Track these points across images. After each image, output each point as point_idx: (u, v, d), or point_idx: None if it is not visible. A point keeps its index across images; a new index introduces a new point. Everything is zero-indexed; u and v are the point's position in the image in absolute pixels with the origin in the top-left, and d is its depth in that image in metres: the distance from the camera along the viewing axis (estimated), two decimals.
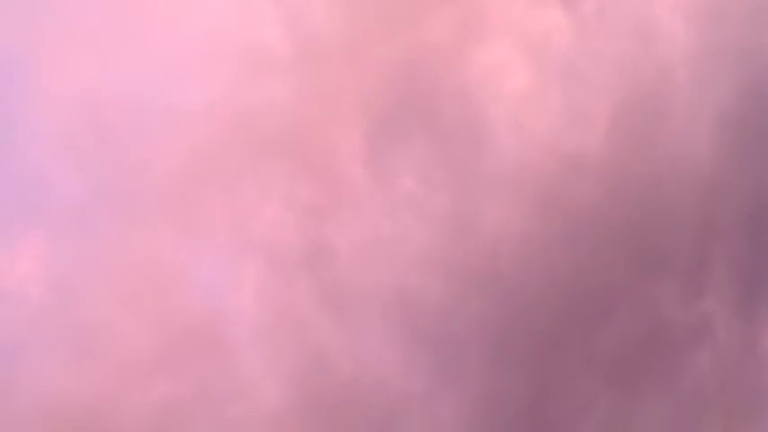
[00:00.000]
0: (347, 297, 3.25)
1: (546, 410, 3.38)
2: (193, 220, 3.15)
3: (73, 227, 3.07)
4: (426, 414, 3.30)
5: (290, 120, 3.21)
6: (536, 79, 3.44)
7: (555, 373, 3.40)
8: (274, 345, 3.21)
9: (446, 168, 3.35)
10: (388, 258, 3.28)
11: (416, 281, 3.30)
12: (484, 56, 3.40)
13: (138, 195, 3.10)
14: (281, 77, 3.19)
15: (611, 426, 3.43)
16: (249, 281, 3.20)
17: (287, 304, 3.22)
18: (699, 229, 3.57)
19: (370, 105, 3.28)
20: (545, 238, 3.40)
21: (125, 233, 3.09)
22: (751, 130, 3.65)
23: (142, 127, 3.10)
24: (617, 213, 3.47)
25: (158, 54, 3.10)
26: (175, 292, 3.14)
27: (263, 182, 3.20)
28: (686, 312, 3.54)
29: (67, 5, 3.02)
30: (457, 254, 3.33)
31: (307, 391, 3.22)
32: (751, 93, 3.65)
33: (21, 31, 2.97)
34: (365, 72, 3.27)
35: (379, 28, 3.29)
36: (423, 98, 3.34)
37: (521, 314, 3.37)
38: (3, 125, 3.03)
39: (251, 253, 3.20)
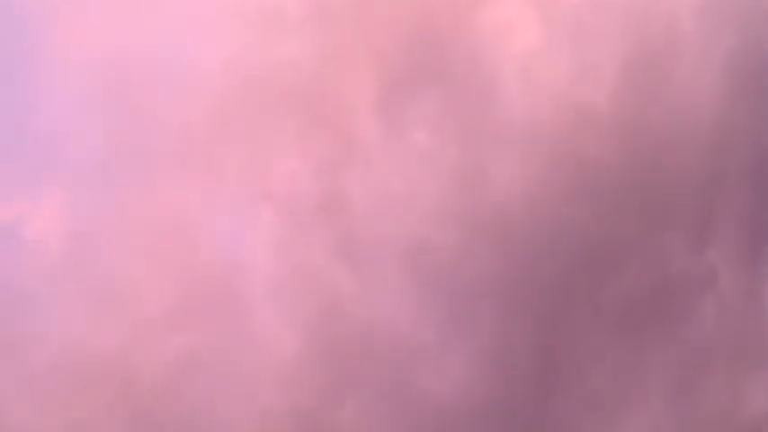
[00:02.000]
0: (361, 248, 3.30)
1: (555, 359, 3.43)
2: (210, 174, 3.19)
3: (92, 181, 3.12)
4: (439, 363, 3.36)
5: (305, 76, 3.25)
6: (545, 35, 3.46)
7: (564, 323, 3.45)
8: (289, 296, 3.26)
9: (457, 123, 3.38)
10: (400, 211, 3.32)
11: (428, 233, 3.35)
12: (494, 12, 3.43)
13: (156, 150, 3.14)
14: (296, 35, 3.22)
15: (618, 374, 3.48)
16: (265, 233, 3.25)
17: (301, 256, 3.26)
18: (704, 181, 3.60)
19: (383, 61, 3.31)
20: (554, 190, 3.43)
21: (143, 187, 3.14)
22: (756, 83, 3.66)
23: (160, 83, 3.13)
24: (625, 166, 3.49)
25: (176, 12, 3.14)
26: (193, 245, 3.19)
27: (278, 137, 3.24)
28: (692, 263, 3.57)
29: None
30: (468, 206, 3.37)
31: (321, 341, 3.27)
32: (756, 47, 3.66)
33: None
34: (378, 29, 3.30)
35: None
36: (434, 54, 3.37)
37: (531, 265, 3.41)
38: (25, 82, 3.07)
39: (266, 206, 3.24)
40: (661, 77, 3.58)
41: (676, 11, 3.58)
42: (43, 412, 3.05)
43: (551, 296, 3.44)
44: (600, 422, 3.45)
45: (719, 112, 3.63)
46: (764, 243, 3.66)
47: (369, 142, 3.31)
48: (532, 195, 3.41)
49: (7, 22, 3.04)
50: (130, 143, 3.14)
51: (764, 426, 3.61)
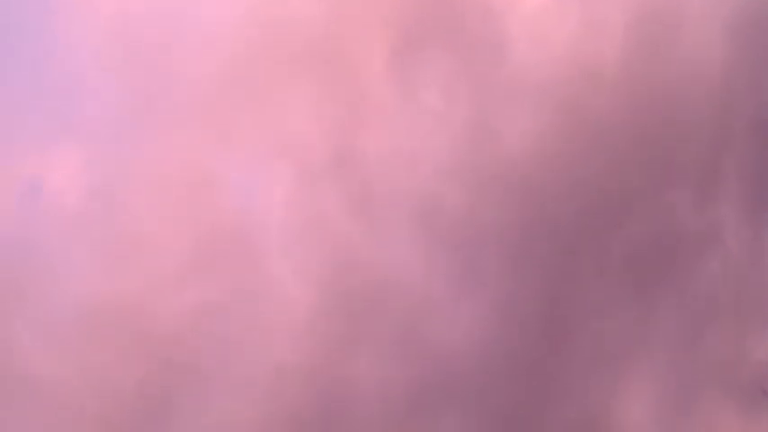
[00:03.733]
0: (373, 203, 3.33)
1: (563, 311, 3.46)
2: (226, 129, 3.22)
3: (109, 136, 3.15)
4: (449, 314, 3.39)
5: (319, 34, 3.27)
6: None
7: (571, 277, 3.47)
8: (303, 250, 3.29)
9: (467, 80, 3.40)
10: (411, 166, 3.35)
11: (439, 188, 3.37)
12: None
13: (172, 106, 3.17)
14: None
15: (625, 325, 3.51)
16: (279, 188, 3.28)
17: (315, 211, 3.29)
18: (711, 137, 3.61)
19: (395, 20, 3.33)
20: (563, 146, 3.45)
21: (160, 143, 3.16)
22: (761, 41, 3.67)
23: (177, 41, 3.16)
24: (632, 122, 3.51)
25: None
26: (208, 199, 3.22)
27: (292, 94, 3.27)
28: (698, 219, 3.58)
29: None
30: (478, 162, 3.39)
31: (334, 294, 3.31)
32: (761, 4, 3.66)
33: None
34: None
35: None
36: (445, 13, 3.38)
37: (539, 220, 3.43)
38: (42, 39, 3.10)
39: (281, 162, 3.28)
40: (668, 35, 3.59)
41: None
42: (62, 361, 3.09)
43: (560, 250, 3.46)
44: (606, 372, 3.49)
45: (725, 69, 3.63)
46: None
47: (381, 99, 3.33)
48: (541, 151, 3.44)
49: None
50: (147, 99, 3.16)
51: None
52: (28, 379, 3.08)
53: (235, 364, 3.24)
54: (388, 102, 3.34)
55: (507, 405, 3.43)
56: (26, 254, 3.10)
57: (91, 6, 3.09)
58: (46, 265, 3.11)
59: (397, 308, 3.36)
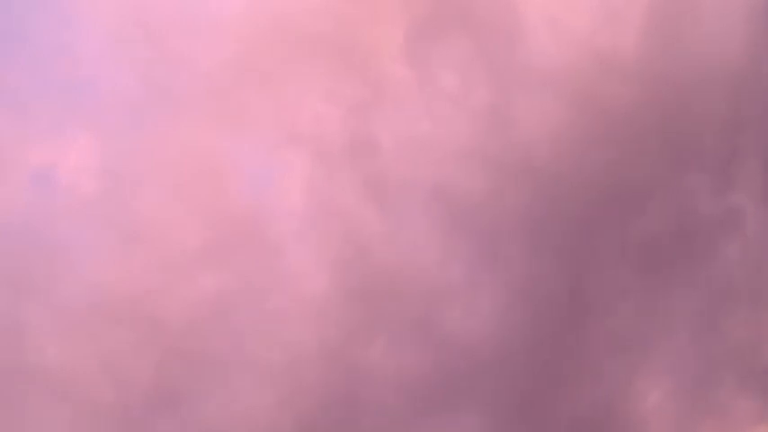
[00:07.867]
0: (389, 190, 3.33)
1: (581, 297, 3.46)
2: (240, 115, 3.22)
3: (123, 122, 3.15)
4: (465, 301, 3.39)
5: (333, 18, 3.26)
6: None
7: (590, 262, 3.47)
8: (318, 236, 3.30)
9: (484, 65, 3.40)
10: (428, 152, 3.35)
11: (456, 174, 3.37)
12: None
13: (185, 91, 3.17)
14: None
15: (643, 312, 3.51)
16: (294, 174, 3.28)
17: (330, 197, 3.29)
18: (729, 123, 3.61)
19: (411, 4, 3.32)
20: (580, 132, 3.45)
21: (174, 128, 3.16)
22: None
23: (190, 26, 3.15)
24: (649, 109, 3.51)
25: None
26: (222, 186, 3.22)
27: (307, 79, 3.26)
28: (716, 204, 3.59)
29: None
30: (495, 148, 3.39)
31: (349, 281, 3.31)
32: None
33: None
34: None
35: None
36: None
37: (556, 205, 3.43)
38: (56, 25, 3.09)
39: (296, 147, 3.27)
40: (685, 22, 3.59)
41: None
42: (75, 350, 3.10)
43: (577, 237, 3.46)
44: (625, 359, 3.50)
45: (743, 55, 3.63)
46: None
47: (397, 85, 3.33)
48: (558, 137, 3.43)
49: None
50: (160, 86, 3.16)
51: None
52: (41, 367, 3.08)
53: (250, 352, 3.25)
54: (404, 87, 3.33)
55: (524, 391, 3.43)
56: (38, 242, 3.10)
57: None
58: (58, 254, 3.11)
59: (413, 295, 3.36)
